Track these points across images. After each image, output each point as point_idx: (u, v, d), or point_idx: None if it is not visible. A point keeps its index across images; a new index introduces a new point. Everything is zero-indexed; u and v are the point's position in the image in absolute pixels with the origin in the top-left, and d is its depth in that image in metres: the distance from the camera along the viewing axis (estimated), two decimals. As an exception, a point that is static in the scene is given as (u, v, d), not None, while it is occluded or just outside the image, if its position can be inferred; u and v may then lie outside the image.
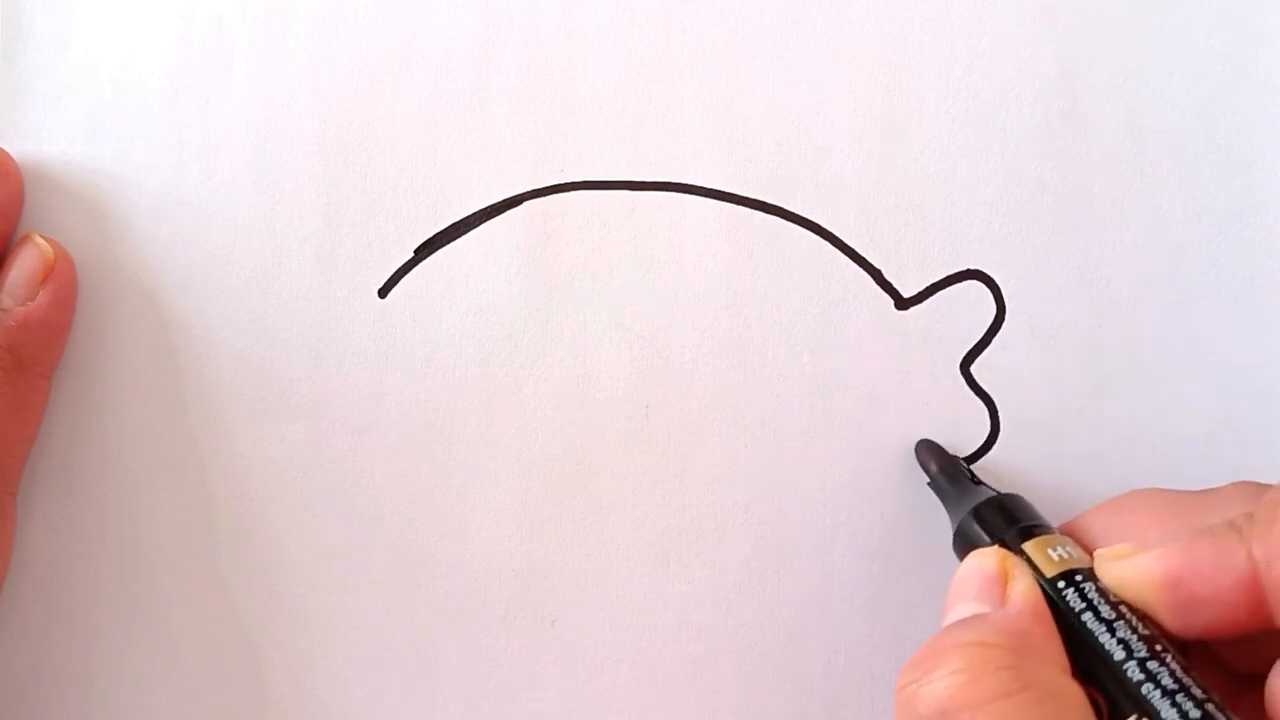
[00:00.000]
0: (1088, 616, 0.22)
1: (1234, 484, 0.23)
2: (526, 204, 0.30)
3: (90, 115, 0.30)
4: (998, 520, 0.25)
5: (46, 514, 0.29)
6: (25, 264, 0.28)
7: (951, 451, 0.29)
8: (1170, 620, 0.21)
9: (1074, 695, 0.20)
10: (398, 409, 0.29)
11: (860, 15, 0.30)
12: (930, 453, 0.29)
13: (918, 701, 0.21)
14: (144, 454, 0.29)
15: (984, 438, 0.30)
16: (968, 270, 0.30)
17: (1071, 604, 0.22)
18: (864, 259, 0.30)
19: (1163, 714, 0.20)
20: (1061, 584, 0.23)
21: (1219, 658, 0.23)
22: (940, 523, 0.29)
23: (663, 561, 0.29)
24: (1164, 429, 0.30)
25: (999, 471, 0.30)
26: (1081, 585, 0.23)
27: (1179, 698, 0.20)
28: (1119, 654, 0.21)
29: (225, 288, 0.29)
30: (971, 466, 0.29)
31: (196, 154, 0.30)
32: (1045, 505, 0.29)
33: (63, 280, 0.29)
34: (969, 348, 0.30)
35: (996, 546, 0.24)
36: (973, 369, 0.30)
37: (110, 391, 0.29)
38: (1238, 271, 0.30)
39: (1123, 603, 0.22)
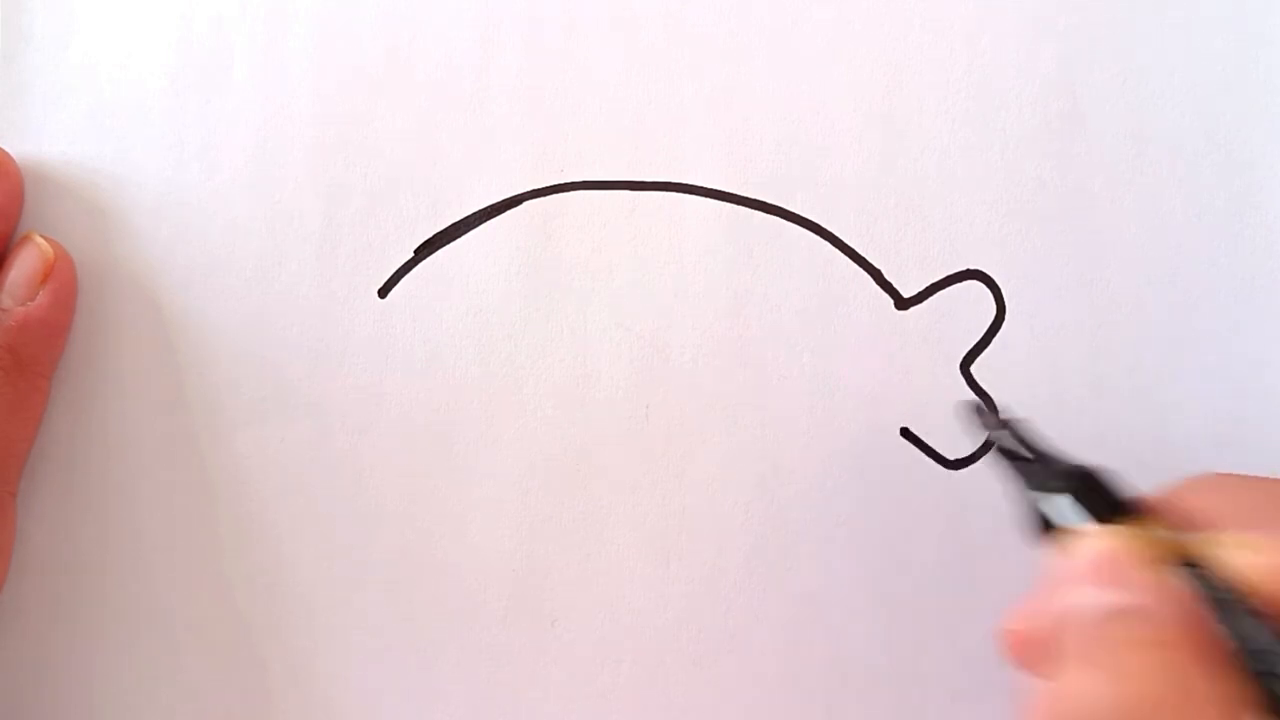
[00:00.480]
0: (1224, 605, 0.20)
1: None
2: (526, 204, 0.30)
3: (90, 115, 0.30)
4: (1094, 497, 0.23)
5: (46, 514, 0.29)
6: (25, 264, 0.28)
7: (948, 454, 0.29)
8: None
9: (1225, 683, 0.19)
10: (398, 409, 0.29)
11: (860, 15, 0.30)
12: (984, 415, 0.27)
13: (1084, 699, 0.19)
14: (144, 454, 0.29)
15: (984, 438, 0.30)
16: (968, 270, 0.30)
17: (1208, 591, 0.21)
18: (864, 259, 0.30)
19: None
20: (1189, 570, 0.21)
21: None
22: (940, 522, 0.29)
23: (663, 561, 0.29)
24: (1164, 429, 0.30)
25: (999, 471, 0.30)
26: (1199, 572, 0.21)
27: None
28: (1254, 644, 0.20)
29: (225, 287, 0.29)
30: (970, 465, 0.29)
31: (196, 154, 0.30)
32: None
33: (63, 280, 0.29)
34: (969, 348, 0.30)
35: (1120, 527, 0.22)
36: (973, 369, 0.30)
37: (110, 391, 0.29)
38: (1238, 271, 0.30)
39: (1240, 591, 0.21)
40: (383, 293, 0.30)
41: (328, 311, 0.29)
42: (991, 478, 0.29)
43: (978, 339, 0.30)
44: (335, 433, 0.29)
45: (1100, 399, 0.30)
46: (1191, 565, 0.21)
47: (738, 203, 0.30)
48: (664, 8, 0.30)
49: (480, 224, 0.30)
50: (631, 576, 0.29)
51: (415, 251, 0.30)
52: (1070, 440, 0.30)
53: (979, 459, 0.30)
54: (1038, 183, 0.30)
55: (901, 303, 0.30)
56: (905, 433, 0.30)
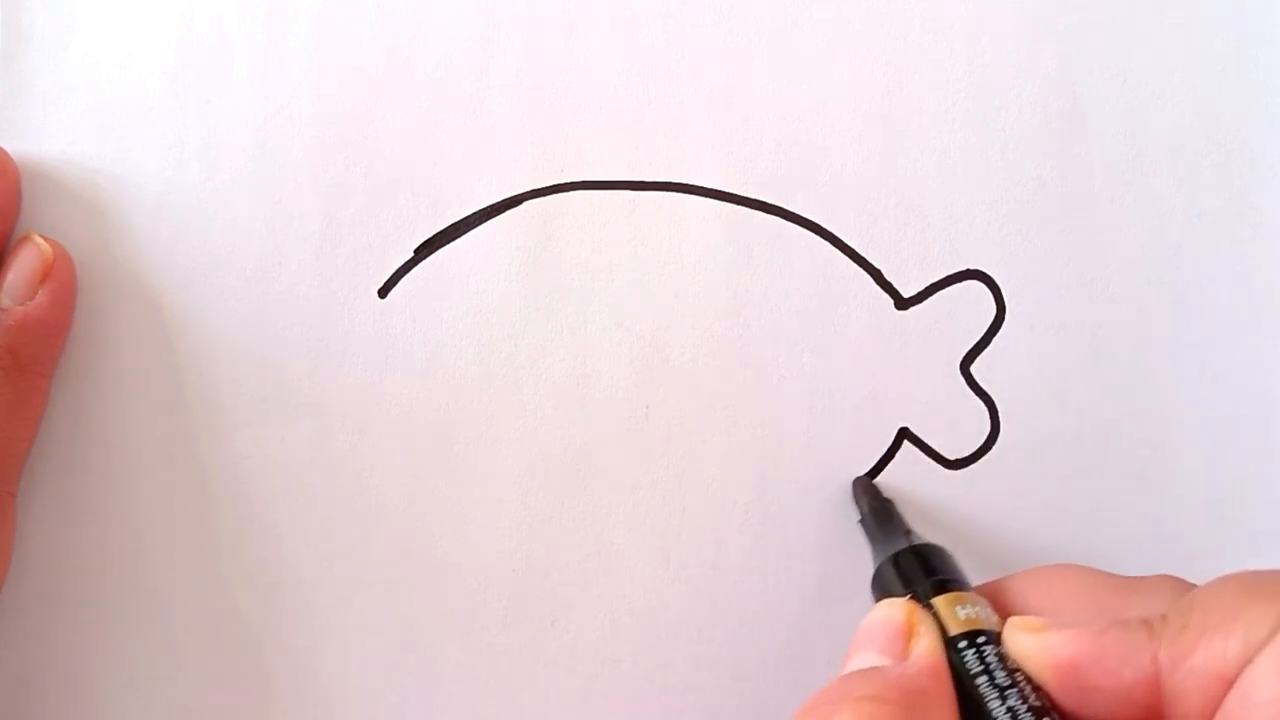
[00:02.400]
0: (982, 680, 0.22)
1: (1160, 577, 0.23)
2: (526, 204, 0.30)
3: (90, 115, 0.30)
4: (914, 570, 0.25)
5: (46, 514, 0.29)
6: (25, 263, 0.28)
7: (948, 454, 0.29)
8: (1065, 701, 0.21)
9: None
10: (398, 409, 0.29)
11: (860, 15, 0.30)
12: (864, 492, 0.29)
13: None
14: (144, 454, 0.29)
15: (984, 438, 0.30)
16: (968, 270, 0.30)
17: (969, 665, 0.22)
18: (864, 259, 0.30)
19: None
20: (963, 644, 0.22)
21: None
22: (940, 522, 0.29)
23: (663, 561, 0.29)
24: (1164, 429, 0.30)
25: (999, 471, 0.30)
26: (982, 648, 0.22)
27: None
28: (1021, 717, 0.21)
29: (225, 287, 0.29)
30: (970, 465, 0.29)
31: (196, 154, 0.30)
32: (1045, 506, 0.29)
33: (62, 280, 0.29)
34: (969, 348, 0.30)
35: (906, 599, 0.24)
36: (973, 369, 0.30)
37: (110, 391, 0.29)
38: (1238, 271, 0.30)
39: (1020, 671, 0.22)
40: (383, 293, 0.30)
41: (328, 311, 0.29)
42: (991, 478, 0.29)
43: (978, 339, 0.30)
44: (335, 433, 0.29)
45: (1100, 399, 0.30)
46: (978, 642, 0.22)
47: (738, 203, 0.30)
48: (664, 8, 0.30)
49: (480, 224, 0.30)
50: (631, 576, 0.29)
51: (415, 251, 0.30)
52: (1070, 440, 0.30)
53: (979, 459, 0.30)
54: (1038, 183, 0.30)
55: (901, 303, 0.30)
56: (905, 433, 0.30)
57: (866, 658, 0.23)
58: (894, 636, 0.23)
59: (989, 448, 0.30)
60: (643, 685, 0.29)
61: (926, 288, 0.30)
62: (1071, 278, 0.30)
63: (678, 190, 0.30)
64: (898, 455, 0.30)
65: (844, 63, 0.30)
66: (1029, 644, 0.22)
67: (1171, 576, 0.23)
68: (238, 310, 0.29)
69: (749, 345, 0.30)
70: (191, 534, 0.29)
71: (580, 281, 0.30)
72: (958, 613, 0.23)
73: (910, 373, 0.30)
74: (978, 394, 0.30)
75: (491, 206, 0.30)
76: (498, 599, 0.29)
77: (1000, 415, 0.30)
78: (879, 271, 0.30)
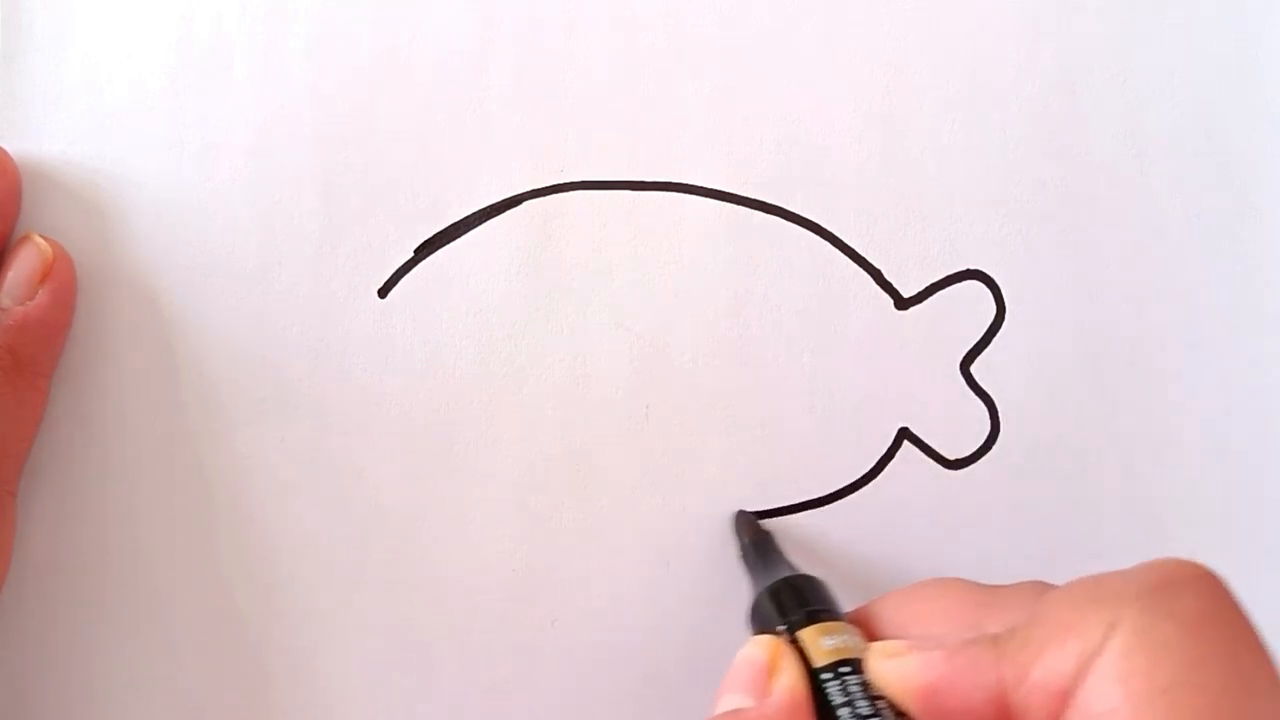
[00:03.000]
0: (845, 712, 0.22)
1: (1024, 584, 0.23)
2: (526, 204, 0.30)
3: (90, 115, 0.30)
4: (787, 602, 0.25)
5: (46, 514, 0.29)
6: (24, 263, 0.28)
7: (948, 454, 0.29)
8: None
9: None
10: (398, 409, 0.29)
11: (860, 15, 0.30)
12: (744, 525, 0.29)
13: None
14: (144, 454, 0.29)
15: (984, 438, 0.30)
16: (968, 270, 0.30)
17: (833, 697, 0.22)
18: (864, 259, 0.30)
19: None
20: (827, 676, 0.22)
21: None
22: (940, 522, 0.29)
23: (663, 561, 0.29)
24: (1164, 429, 0.30)
25: (999, 471, 0.30)
26: (846, 678, 0.22)
27: None
28: None
29: (225, 287, 0.29)
30: (970, 465, 0.29)
31: (196, 154, 0.30)
32: (1045, 506, 0.29)
33: (62, 280, 0.29)
34: (969, 348, 0.30)
35: (769, 636, 0.24)
36: (973, 369, 0.30)
37: (110, 391, 0.29)
38: (1238, 271, 0.30)
39: (883, 699, 0.22)
40: (383, 293, 0.30)
41: (328, 311, 0.29)
42: (991, 478, 0.29)
43: (978, 339, 0.30)
44: (335, 433, 0.29)
45: (1100, 399, 0.30)
46: (842, 672, 0.22)
47: (738, 203, 0.30)
48: (664, 8, 0.30)
49: (480, 224, 0.30)
50: (631, 576, 0.29)
51: (415, 251, 0.30)
52: (1070, 440, 0.30)
53: (979, 459, 0.30)
54: (1038, 183, 0.30)
55: (901, 303, 0.30)
56: (905, 433, 0.30)
57: (731, 700, 0.23)
58: (756, 675, 0.23)
59: (989, 448, 0.30)
60: (643, 685, 0.29)
61: (926, 288, 0.30)
62: (1071, 278, 0.30)
63: (677, 190, 0.30)
64: (898, 455, 0.30)
65: (844, 63, 0.30)
66: (889, 670, 0.22)
67: (1035, 583, 0.23)
68: (237, 310, 0.29)
69: (749, 345, 0.30)
70: (191, 534, 0.29)
71: (580, 281, 0.30)
72: (823, 644, 0.23)
73: (910, 373, 0.30)
74: (978, 394, 0.30)
75: (491, 206, 0.30)
76: (498, 599, 0.29)
77: (1000, 415, 0.30)
78: (879, 271, 0.30)
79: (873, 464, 0.30)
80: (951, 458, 0.30)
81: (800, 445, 0.29)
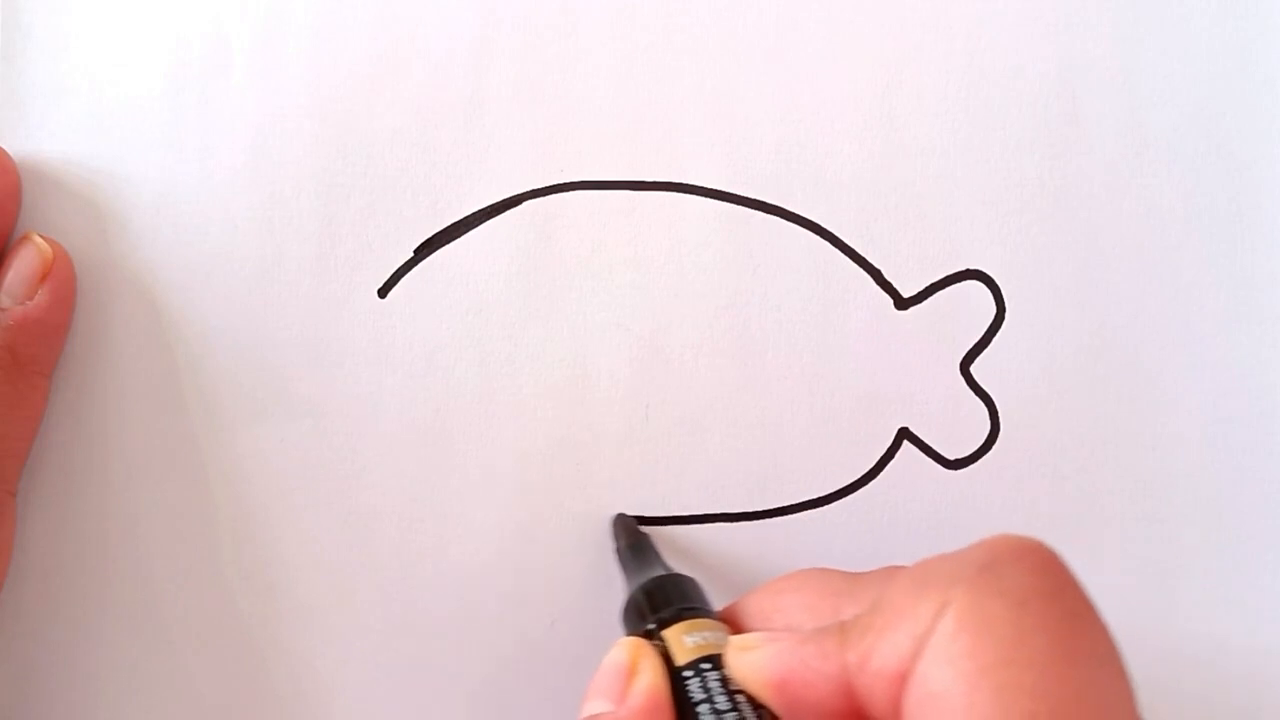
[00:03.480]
0: (704, 708, 0.22)
1: (881, 570, 0.23)
2: (526, 204, 0.30)
3: (90, 115, 0.30)
4: (655, 602, 0.25)
5: (46, 514, 0.29)
6: (24, 263, 0.28)
7: (948, 454, 0.29)
8: (785, 716, 0.21)
9: None
10: (397, 409, 0.29)
11: (859, 15, 0.30)
12: (621, 526, 0.29)
13: None
14: (144, 454, 0.29)
15: (984, 438, 0.30)
16: (968, 270, 0.30)
17: (693, 694, 0.22)
18: (864, 259, 0.30)
19: None
20: (689, 674, 0.22)
21: None
22: (940, 522, 0.29)
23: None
24: (1164, 429, 0.30)
25: (999, 471, 0.30)
26: (706, 675, 0.22)
27: None
28: None
29: (224, 287, 0.29)
30: (970, 465, 0.29)
31: (196, 153, 0.30)
32: (1045, 506, 0.29)
33: (61, 279, 0.29)
34: (969, 348, 0.30)
35: (631, 638, 0.24)
36: (973, 369, 0.30)
37: (110, 391, 0.29)
38: (1237, 271, 0.30)
39: (741, 693, 0.22)
40: (382, 293, 0.30)
41: (328, 311, 0.29)
42: (991, 478, 0.29)
43: (978, 339, 0.30)
44: (335, 433, 0.29)
45: (1100, 399, 0.30)
46: (703, 669, 0.22)
47: (737, 202, 0.30)
48: (663, 8, 0.30)
49: (480, 224, 0.30)
50: (631, 576, 0.29)
51: (415, 251, 0.30)
52: (1070, 440, 0.30)
53: (979, 459, 0.30)
54: (1038, 183, 0.30)
55: (901, 303, 0.30)
56: (905, 433, 0.30)
57: (593, 705, 0.23)
58: (616, 679, 0.23)
59: (989, 448, 0.30)
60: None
61: (926, 288, 0.30)
62: (1071, 278, 0.30)
63: (677, 190, 0.30)
64: (898, 455, 0.30)
65: (844, 63, 0.30)
66: (744, 663, 0.22)
67: (890, 568, 0.22)
68: (237, 310, 0.29)
69: (749, 345, 0.30)
70: (191, 533, 0.29)
71: (579, 281, 0.30)
72: (686, 642, 0.23)
73: (910, 373, 0.30)
74: (978, 394, 0.30)
75: (491, 206, 0.30)
76: (497, 599, 0.29)
77: (1000, 415, 0.30)
78: (879, 271, 0.30)
79: (873, 464, 0.30)
80: (951, 458, 0.30)
81: (800, 445, 0.29)
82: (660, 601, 0.25)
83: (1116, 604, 0.29)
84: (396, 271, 0.30)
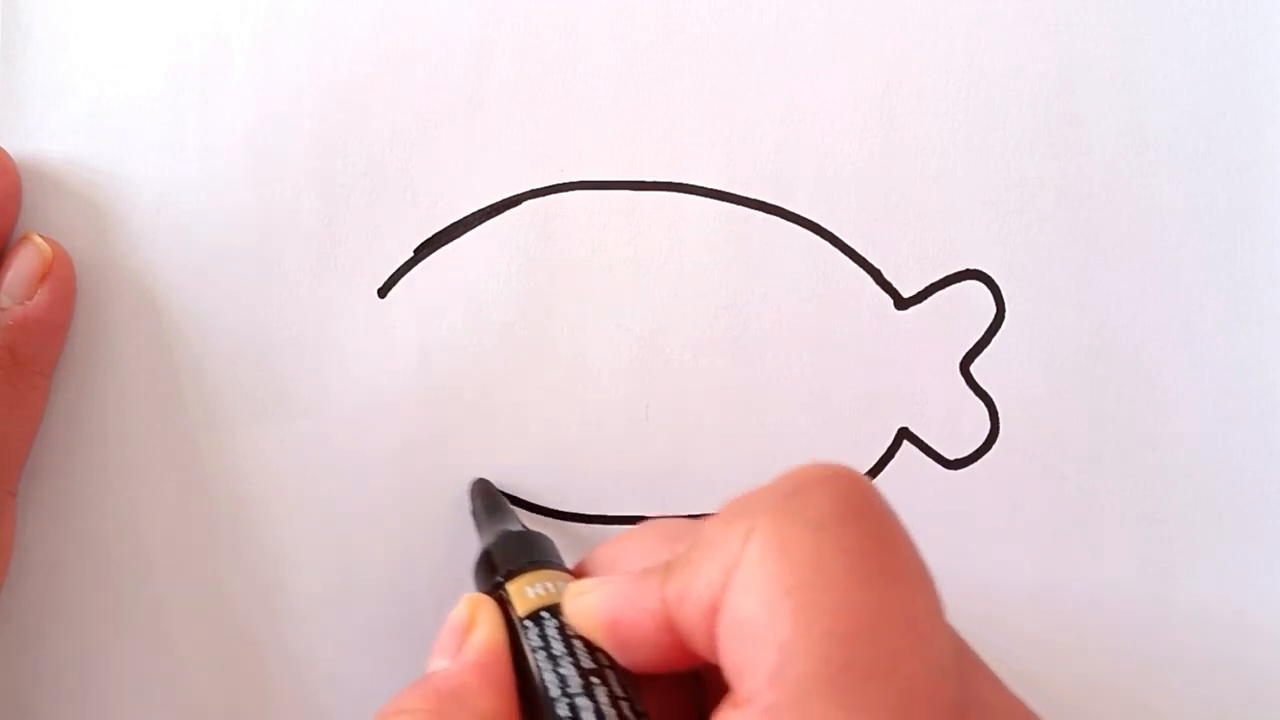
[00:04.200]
0: (540, 655, 0.22)
1: (718, 513, 0.23)
2: (526, 204, 0.30)
3: (90, 115, 0.30)
4: (502, 558, 0.25)
5: (46, 514, 0.29)
6: (23, 263, 0.28)
7: (948, 454, 0.29)
8: (623, 659, 0.21)
9: None
10: (397, 409, 0.29)
11: (859, 15, 0.30)
12: (477, 489, 0.29)
13: None
14: (144, 454, 0.29)
15: (984, 438, 0.30)
16: (968, 270, 0.30)
17: (532, 643, 0.22)
18: (864, 259, 0.30)
19: None
20: (529, 623, 0.22)
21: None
22: (940, 522, 0.29)
23: (663, 561, 0.29)
24: (1164, 429, 0.30)
25: (999, 471, 0.30)
26: (545, 623, 0.22)
27: None
28: (555, 690, 0.21)
29: (224, 287, 0.29)
30: (970, 465, 0.29)
31: (195, 153, 0.30)
32: (1045, 506, 0.29)
33: (61, 279, 0.29)
34: (969, 348, 0.30)
35: (470, 594, 0.24)
36: (973, 369, 0.30)
37: (110, 391, 0.29)
38: (1238, 271, 0.30)
39: (579, 639, 0.22)
40: (382, 292, 0.30)
41: (328, 311, 0.29)
42: (991, 478, 0.29)
43: (978, 339, 0.30)
44: (335, 433, 0.29)
45: (1100, 399, 0.30)
46: (542, 618, 0.22)
47: (737, 203, 0.30)
48: (663, 8, 0.30)
49: (480, 224, 0.30)
50: (631, 576, 0.29)
51: (415, 251, 0.30)
52: (1070, 440, 0.30)
53: (979, 459, 0.30)
54: (1038, 183, 0.30)
55: (901, 303, 0.30)
56: (905, 433, 0.30)
57: (434, 663, 0.23)
58: (454, 635, 0.23)
59: (989, 448, 0.30)
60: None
61: (926, 288, 0.30)
62: (1071, 278, 0.30)
63: (677, 190, 0.30)
64: (898, 455, 0.30)
65: (844, 63, 0.30)
66: (578, 608, 0.22)
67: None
68: (237, 310, 0.29)
69: (748, 345, 0.30)
70: (191, 533, 0.29)
71: (579, 281, 0.30)
72: (527, 593, 0.23)
73: (910, 373, 0.30)
74: (977, 394, 0.30)
75: (491, 206, 0.30)
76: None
77: (1000, 415, 0.30)
78: (879, 271, 0.30)
79: (873, 464, 0.30)
80: (951, 458, 0.30)
81: (800, 445, 0.29)
82: (508, 557, 0.25)
83: (1117, 603, 0.30)
84: (396, 271, 0.30)
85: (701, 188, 0.30)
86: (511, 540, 0.25)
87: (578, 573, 0.24)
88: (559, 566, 0.25)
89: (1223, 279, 0.30)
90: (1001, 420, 0.30)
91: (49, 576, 0.29)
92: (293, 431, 0.29)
